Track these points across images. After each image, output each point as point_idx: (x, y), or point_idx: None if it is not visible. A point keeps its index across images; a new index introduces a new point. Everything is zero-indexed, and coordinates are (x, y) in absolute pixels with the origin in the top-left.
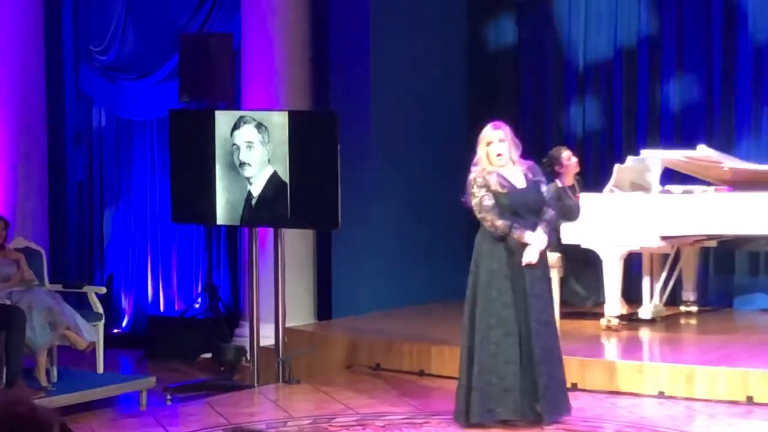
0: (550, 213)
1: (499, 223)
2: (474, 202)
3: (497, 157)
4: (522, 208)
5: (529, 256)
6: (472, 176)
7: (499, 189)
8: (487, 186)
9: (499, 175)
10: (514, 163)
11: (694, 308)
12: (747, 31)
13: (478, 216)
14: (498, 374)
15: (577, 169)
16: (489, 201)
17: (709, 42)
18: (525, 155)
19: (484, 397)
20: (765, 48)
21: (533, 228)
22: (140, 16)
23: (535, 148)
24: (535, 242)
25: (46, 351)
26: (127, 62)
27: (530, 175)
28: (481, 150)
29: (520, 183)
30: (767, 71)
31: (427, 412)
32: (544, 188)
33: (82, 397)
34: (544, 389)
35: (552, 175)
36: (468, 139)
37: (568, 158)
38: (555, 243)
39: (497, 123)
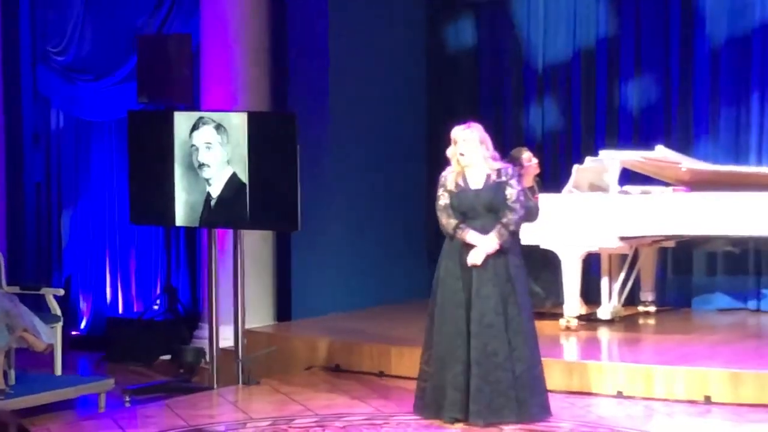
0: (508, 216)
1: (445, 221)
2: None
3: (460, 157)
4: (469, 208)
5: (473, 257)
6: (441, 175)
7: (453, 189)
8: (444, 186)
9: (460, 175)
10: (480, 162)
11: (652, 308)
12: (704, 32)
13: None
14: (449, 372)
15: (537, 171)
16: (443, 201)
17: (667, 43)
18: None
19: (436, 394)
20: (722, 49)
21: (485, 230)
22: (98, 17)
23: (494, 149)
24: (480, 244)
25: (3, 353)
26: (85, 63)
27: (493, 177)
28: (450, 149)
29: (477, 184)
30: (724, 72)
31: (387, 412)
32: (509, 191)
33: (41, 399)
34: (475, 391)
35: None
36: (427, 140)
37: (529, 159)
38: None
39: (468, 123)
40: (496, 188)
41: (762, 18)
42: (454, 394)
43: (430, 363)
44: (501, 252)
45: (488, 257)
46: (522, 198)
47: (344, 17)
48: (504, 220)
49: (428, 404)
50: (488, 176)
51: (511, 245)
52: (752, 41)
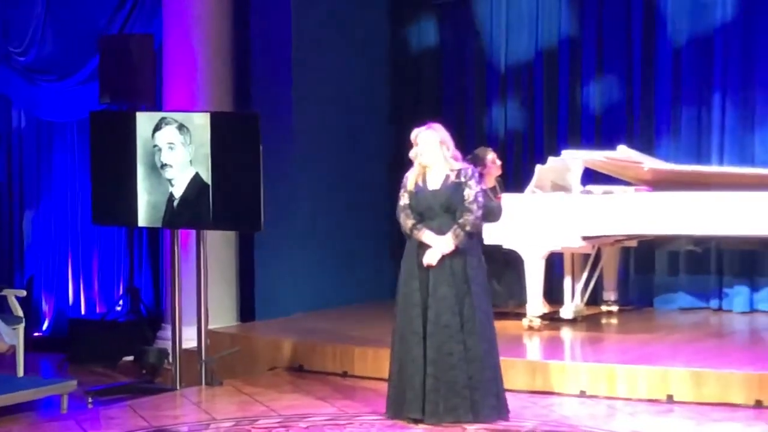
0: (465, 217)
1: (403, 221)
2: None
3: (420, 157)
4: (426, 208)
5: (428, 258)
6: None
7: (412, 189)
8: (405, 186)
9: (420, 176)
10: (440, 163)
11: (614, 308)
12: (666, 32)
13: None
14: (407, 372)
15: (499, 173)
16: (403, 201)
17: (629, 44)
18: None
19: (398, 394)
20: (684, 50)
21: (442, 230)
22: (60, 17)
23: (457, 149)
24: (436, 244)
25: None
26: (47, 63)
27: (452, 178)
28: (412, 151)
29: (435, 184)
30: (686, 73)
31: (351, 413)
32: (467, 192)
33: (3, 401)
34: (430, 391)
35: None
36: (390, 140)
37: (493, 161)
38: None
39: (429, 123)
40: (454, 189)
41: (723, 18)
42: (411, 394)
43: (394, 364)
44: (458, 252)
45: (445, 258)
46: (480, 199)
47: (307, 17)
48: (461, 221)
49: (392, 404)
50: (447, 177)
51: (469, 246)
52: (714, 42)
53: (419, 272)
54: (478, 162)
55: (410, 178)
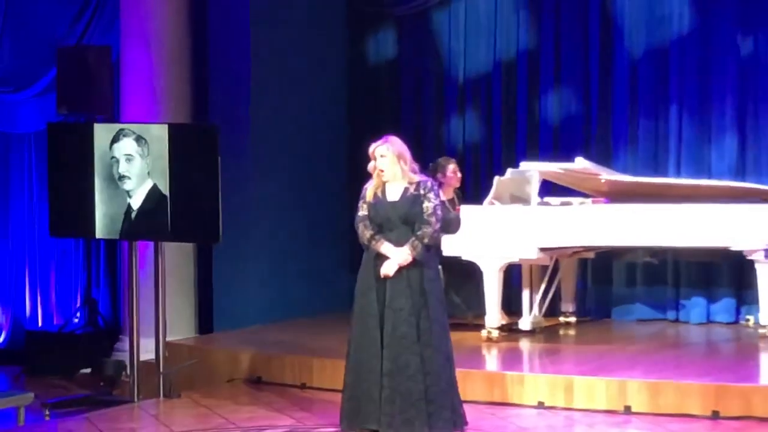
0: (424, 229)
1: (361, 232)
2: None
3: (380, 173)
4: (385, 220)
5: (385, 269)
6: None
7: (371, 200)
8: (364, 197)
9: (379, 187)
10: (399, 177)
11: (573, 319)
12: (623, 45)
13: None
14: (363, 383)
15: (459, 184)
16: (361, 212)
17: (586, 55)
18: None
19: (354, 405)
20: (641, 62)
21: (400, 242)
22: (17, 29)
23: (415, 161)
24: (393, 255)
25: None
26: (4, 75)
27: (411, 190)
28: (370, 165)
29: (394, 196)
30: (643, 84)
31: (309, 425)
32: (426, 204)
33: None
34: (386, 402)
35: None
36: (349, 151)
37: (454, 171)
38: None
39: (386, 137)
40: (413, 201)
41: (679, 31)
42: (368, 405)
43: (349, 375)
44: (416, 265)
45: (402, 269)
46: (439, 212)
47: (265, 29)
48: (419, 233)
49: (348, 415)
50: (406, 189)
51: (426, 259)
52: (670, 53)
53: (376, 283)
54: (438, 170)
55: (369, 190)
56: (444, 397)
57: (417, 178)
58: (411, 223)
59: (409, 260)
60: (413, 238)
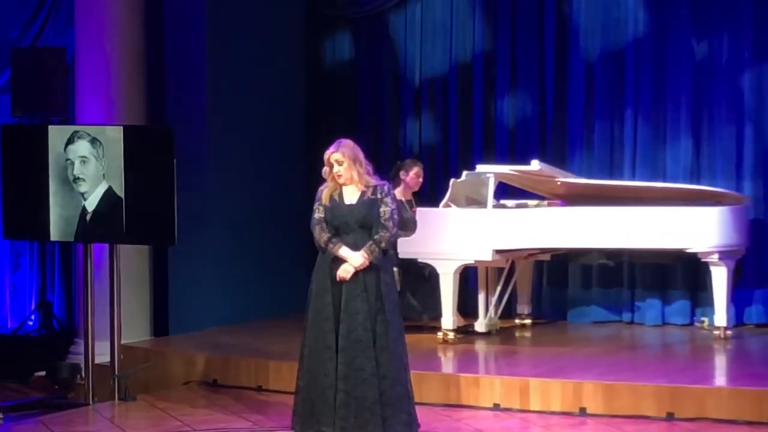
0: (381, 233)
1: (318, 235)
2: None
3: (337, 177)
4: (342, 223)
5: (341, 272)
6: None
7: (327, 203)
8: (320, 200)
9: (335, 191)
10: (356, 180)
11: (528, 321)
12: (579, 47)
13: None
14: (318, 386)
15: (417, 189)
16: (317, 214)
17: (542, 58)
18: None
19: (307, 407)
20: (596, 64)
21: (357, 245)
22: None
23: (371, 163)
24: (350, 259)
25: None
26: None
27: (369, 194)
28: (324, 170)
29: (352, 200)
30: (599, 87)
31: (265, 427)
32: (383, 209)
33: None
34: (340, 406)
35: (393, 180)
36: (306, 153)
37: (417, 175)
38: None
39: (339, 141)
40: (371, 205)
41: (635, 33)
42: (322, 408)
43: (302, 378)
44: (372, 268)
45: (359, 273)
46: (396, 217)
47: (222, 30)
48: (376, 238)
49: (301, 418)
50: (363, 192)
51: (383, 263)
52: (626, 56)
53: (332, 286)
54: (403, 169)
55: (324, 192)
56: (401, 401)
57: (373, 181)
58: (368, 227)
59: (366, 264)
60: (370, 243)
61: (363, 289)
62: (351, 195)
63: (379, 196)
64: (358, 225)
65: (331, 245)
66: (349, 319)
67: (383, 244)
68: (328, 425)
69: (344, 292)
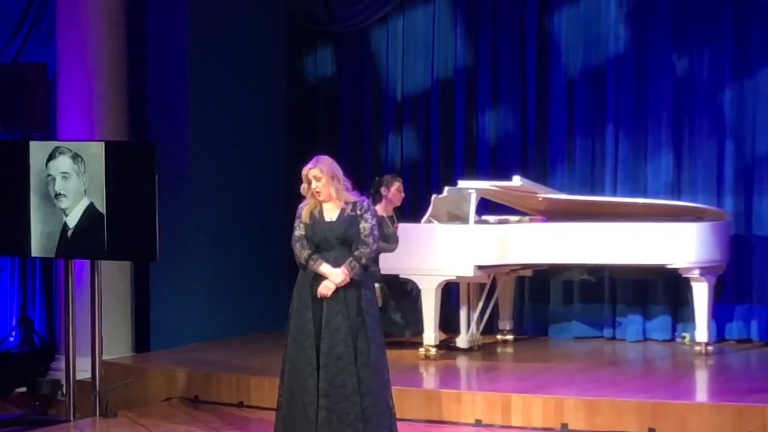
0: (361, 250)
1: (298, 252)
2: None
3: (316, 194)
4: (322, 240)
5: (322, 289)
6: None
7: (308, 221)
8: (300, 217)
9: (315, 207)
10: (335, 197)
11: (510, 337)
12: (560, 62)
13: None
14: (298, 402)
15: (399, 204)
16: (298, 231)
17: (523, 73)
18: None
19: (288, 425)
20: (578, 80)
21: (338, 262)
22: None
23: (353, 178)
24: (331, 276)
25: None
26: None
27: (348, 210)
28: (303, 187)
29: (332, 216)
30: (580, 102)
31: None
32: (363, 225)
33: None
34: (322, 423)
35: (374, 197)
36: (288, 169)
37: (398, 189)
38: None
39: (317, 158)
40: (350, 221)
41: (615, 49)
42: (304, 425)
43: (283, 394)
44: (353, 285)
45: (339, 289)
46: (376, 233)
47: (203, 47)
48: (356, 254)
49: None
50: (343, 209)
51: (363, 279)
52: (606, 73)
53: (312, 303)
54: (384, 185)
55: (305, 210)
56: (383, 418)
57: (352, 197)
58: (348, 243)
59: (347, 281)
60: (351, 259)
61: (344, 305)
62: (331, 212)
63: (358, 212)
64: (338, 242)
65: (311, 262)
66: (330, 335)
67: (363, 260)
68: None
69: (325, 309)
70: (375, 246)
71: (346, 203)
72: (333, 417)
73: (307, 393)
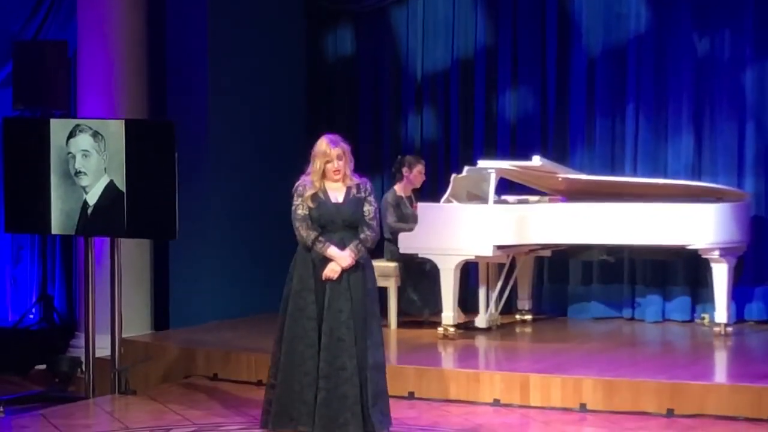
0: (366, 233)
1: (305, 233)
2: (292, 210)
3: (334, 174)
4: (329, 222)
5: (329, 272)
6: (296, 185)
7: (312, 201)
8: (302, 195)
9: (320, 187)
10: (348, 176)
11: (529, 317)
12: (581, 43)
13: (293, 224)
14: (299, 384)
15: (419, 186)
16: (301, 211)
17: (544, 54)
18: (361, 167)
19: (285, 405)
20: (598, 60)
21: (343, 244)
22: None
23: (372, 158)
24: (338, 258)
25: None
26: None
27: (354, 192)
28: (318, 164)
29: (338, 198)
30: (600, 83)
31: None
32: (367, 207)
33: None
34: (321, 404)
35: (395, 176)
36: (306, 148)
37: (420, 172)
38: (395, 254)
39: (334, 138)
40: (356, 203)
41: (637, 30)
42: (302, 406)
43: (278, 375)
44: (356, 267)
45: (343, 272)
46: (378, 215)
47: (224, 24)
48: (362, 237)
49: (277, 415)
50: (349, 190)
51: (366, 261)
52: (627, 53)
53: (315, 285)
54: (405, 165)
55: (308, 189)
56: (381, 400)
57: (356, 179)
58: (354, 226)
59: (353, 264)
60: (357, 242)
61: (347, 287)
62: (337, 193)
63: (363, 194)
64: (345, 224)
65: (319, 244)
66: (332, 317)
67: (368, 244)
68: (307, 423)
69: (328, 291)
70: (378, 229)
71: (352, 184)
72: (333, 399)
73: (307, 375)
